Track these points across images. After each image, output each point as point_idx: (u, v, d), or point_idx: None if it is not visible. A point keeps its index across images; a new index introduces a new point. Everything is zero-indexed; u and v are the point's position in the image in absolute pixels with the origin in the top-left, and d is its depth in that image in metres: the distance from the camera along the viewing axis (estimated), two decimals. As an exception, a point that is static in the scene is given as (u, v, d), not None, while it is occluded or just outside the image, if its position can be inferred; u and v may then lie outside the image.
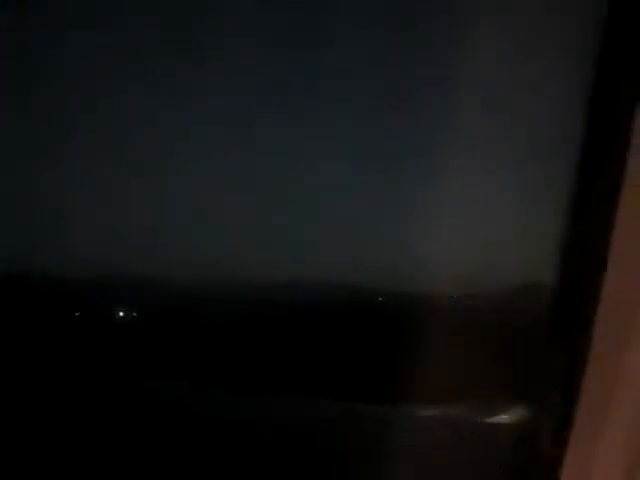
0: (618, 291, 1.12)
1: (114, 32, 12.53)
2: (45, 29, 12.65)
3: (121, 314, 11.11)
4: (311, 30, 13.26)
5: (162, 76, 14.77)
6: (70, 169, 14.11)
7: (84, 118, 14.17)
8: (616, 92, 1.10)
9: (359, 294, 10.84)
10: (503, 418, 5.53)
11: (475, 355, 5.70)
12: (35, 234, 12.65)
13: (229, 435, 6.52)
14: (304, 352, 9.42)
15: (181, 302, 11.01)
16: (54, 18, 12.04)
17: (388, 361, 6.21)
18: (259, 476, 5.63)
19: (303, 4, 15.12)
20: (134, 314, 11.20)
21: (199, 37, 12.35)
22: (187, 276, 11.70)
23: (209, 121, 14.53)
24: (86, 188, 14.12)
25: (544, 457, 1.22)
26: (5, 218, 11.35)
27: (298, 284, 11.83)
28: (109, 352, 9.88)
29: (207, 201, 15.15)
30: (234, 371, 9.35)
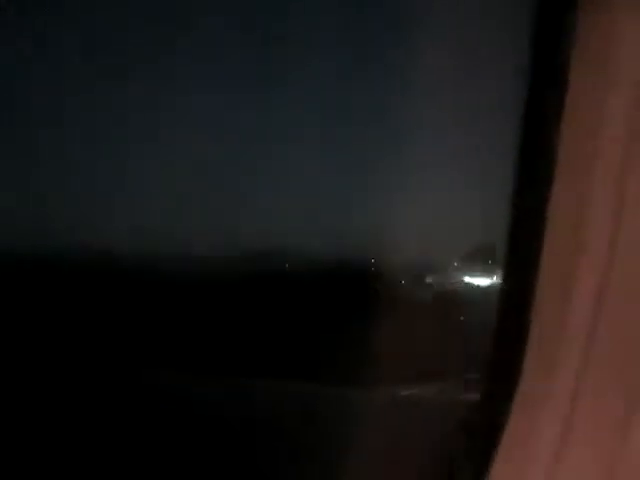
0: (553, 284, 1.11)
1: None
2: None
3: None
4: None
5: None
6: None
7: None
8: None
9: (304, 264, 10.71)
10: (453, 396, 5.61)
11: (421, 330, 5.76)
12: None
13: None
14: (235, 329, 9.35)
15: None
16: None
17: (339, 340, 6.24)
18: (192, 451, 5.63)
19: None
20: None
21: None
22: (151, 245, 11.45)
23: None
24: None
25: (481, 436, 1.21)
26: None
27: (258, 253, 11.67)
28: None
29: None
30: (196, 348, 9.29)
